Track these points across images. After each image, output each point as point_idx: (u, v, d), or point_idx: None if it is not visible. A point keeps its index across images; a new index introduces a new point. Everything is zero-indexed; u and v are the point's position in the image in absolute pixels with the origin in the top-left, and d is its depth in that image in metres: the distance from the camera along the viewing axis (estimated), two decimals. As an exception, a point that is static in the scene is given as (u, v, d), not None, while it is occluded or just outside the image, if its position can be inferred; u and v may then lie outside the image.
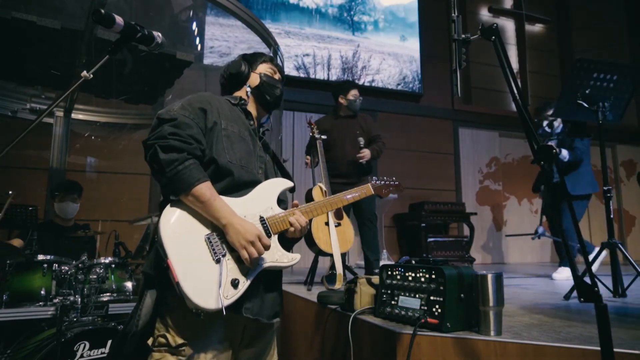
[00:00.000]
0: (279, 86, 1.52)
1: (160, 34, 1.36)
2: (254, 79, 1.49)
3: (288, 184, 1.41)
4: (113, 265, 2.63)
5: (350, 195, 1.58)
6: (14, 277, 2.38)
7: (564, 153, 3.71)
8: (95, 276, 2.50)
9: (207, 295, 1.10)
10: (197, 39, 5.49)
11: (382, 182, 1.73)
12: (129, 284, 2.67)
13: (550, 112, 3.92)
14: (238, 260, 1.19)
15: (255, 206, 1.29)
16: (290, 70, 6.21)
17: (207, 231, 1.19)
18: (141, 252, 3.86)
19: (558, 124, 3.86)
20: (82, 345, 2.10)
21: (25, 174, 4.78)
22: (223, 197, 1.22)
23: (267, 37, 4.33)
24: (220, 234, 1.19)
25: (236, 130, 1.34)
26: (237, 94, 1.50)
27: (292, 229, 1.32)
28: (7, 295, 2.33)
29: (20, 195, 4.33)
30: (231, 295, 1.14)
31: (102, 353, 2.15)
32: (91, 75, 1.21)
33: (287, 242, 1.37)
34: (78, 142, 5.01)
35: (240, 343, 1.27)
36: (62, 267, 2.47)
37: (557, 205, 3.64)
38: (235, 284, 1.15)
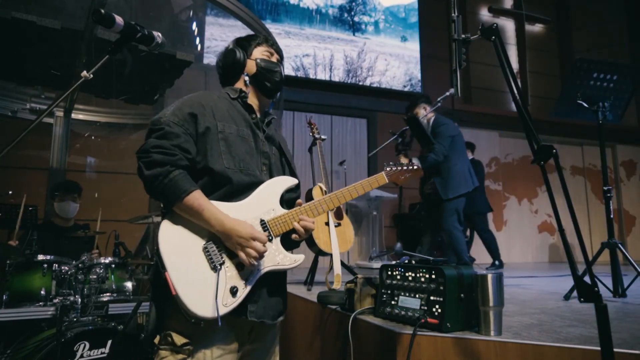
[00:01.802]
0: (278, 69, 1.43)
1: (160, 34, 1.35)
2: (251, 66, 1.41)
3: (291, 182, 1.35)
4: (113, 265, 2.63)
5: (361, 186, 1.44)
6: (14, 277, 2.38)
7: (415, 162, 3.68)
8: (95, 276, 2.50)
9: (205, 304, 1.11)
10: (197, 39, 5.49)
11: (398, 169, 1.57)
12: (129, 284, 2.67)
13: (421, 109, 3.84)
14: (237, 267, 1.19)
15: (256, 209, 1.26)
16: (290, 70, 6.21)
17: (205, 240, 1.18)
18: (141, 252, 3.86)
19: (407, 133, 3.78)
20: (82, 345, 2.10)
21: (25, 174, 4.78)
22: (221, 203, 1.20)
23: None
24: (217, 242, 1.18)
25: (234, 130, 1.29)
26: (237, 85, 1.43)
27: (295, 236, 1.29)
28: (7, 295, 2.33)
29: (20, 195, 4.34)
30: (230, 303, 1.14)
31: (102, 353, 2.15)
32: (91, 75, 1.20)
33: (292, 242, 1.35)
34: (78, 142, 5.01)
35: (246, 342, 1.28)
36: (62, 267, 2.47)
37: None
38: (234, 291, 1.15)
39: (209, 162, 1.22)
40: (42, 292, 2.39)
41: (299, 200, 1.34)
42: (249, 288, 1.18)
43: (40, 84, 4.25)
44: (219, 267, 1.15)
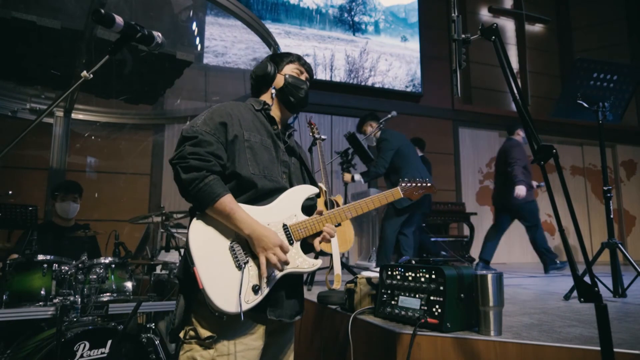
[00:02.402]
0: (304, 87, 1.52)
1: (160, 34, 1.35)
2: (279, 81, 1.50)
3: (312, 190, 1.43)
4: (113, 265, 2.62)
5: (378, 199, 1.53)
6: (14, 277, 2.38)
7: (357, 177, 3.88)
8: (95, 276, 2.50)
9: (229, 300, 1.17)
10: (197, 39, 5.49)
11: (413, 185, 1.66)
12: (129, 284, 2.67)
13: (368, 127, 4.06)
14: (260, 267, 1.25)
15: (279, 214, 1.34)
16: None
17: (231, 240, 1.25)
18: (141, 252, 3.87)
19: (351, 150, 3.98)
20: (82, 345, 2.09)
21: (25, 174, 4.78)
22: (248, 207, 1.28)
23: (267, 37, 4.33)
24: (243, 243, 1.26)
25: (258, 139, 1.38)
26: (264, 96, 1.52)
27: (317, 240, 1.36)
28: (7, 295, 2.33)
29: (20, 195, 4.34)
30: (252, 300, 1.21)
31: (102, 353, 2.15)
32: (91, 75, 1.20)
33: (310, 247, 1.41)
34: (78, 142, 5.01)
35: (265, 339, 1.33)
36: (62, 267, 2.47)
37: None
38: (256, 289, 1.22)
39: (236, 168, 1.31)
40: (42, 292, 2.39)
41: (319, 209, 1.42)
42: (269, 287, 1.25)
43: (40, 84, 4.24)
44: (244, 265, 1.23)
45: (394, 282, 1.71)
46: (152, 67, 3.62)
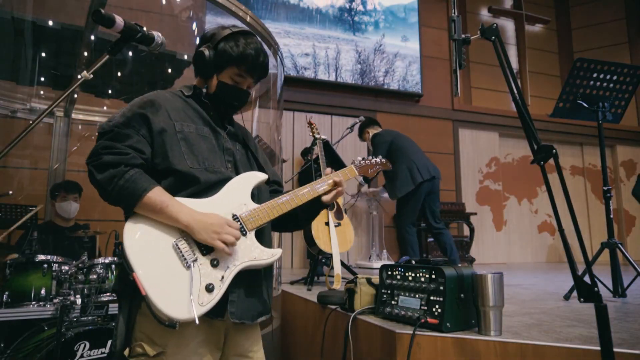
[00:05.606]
0: (243, 97, 1.33)
1: (160, 34, 1.35)
2: (213, 84, 1.31)
3: (260, 177, 1.30)
4: (113, 265, 2.62)
5: (331, 180, 1.41)
6: (14, 277, 2.38)
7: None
8: (95, 276, 2.50)
9: (179, 305, 1.03)
10: (197, 39, 5.49)
11: (367, 162, 1.60)
12: (129, 284, 2.67)
13: (375, 127, 4.26)
14: (212, 263, 1.12)
15: (227, 205, 1.21)
16: (289, 70, 6.21)
17: (174, 237, 1.11)
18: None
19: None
20: (82, 345, 2.09)
21: (25, 174, 4.77)
22: (189, 200, 1.15)
23: (267, 37, 4.32)
24: (188, 239, 1.12)
25: (193, 129, 1.24)
26: (199, 81, 1.36)
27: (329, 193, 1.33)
28: (7, 295, 2.33)
29: (20, 195, 4.33)
30: (207, 302, 1.07)
31: (102, 353, 2.15)
32: (91, 75, 1.20)
33: (283, 224, 1.34)
34: (78, 142, 5.01)
35: (222, 346, 1.22)
36: (62, 267, 2.47)
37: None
38: (210, 288, 1.08)
39: (171, 164, 1.16)
40: (42, 292, 2.39)
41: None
42: (226, 284, 1.12)
43: (40, 84, 4.25)
44: (192, 264, 1.08)
45: (394, 282, 1.71)
46: (152, 67, 3.63)
